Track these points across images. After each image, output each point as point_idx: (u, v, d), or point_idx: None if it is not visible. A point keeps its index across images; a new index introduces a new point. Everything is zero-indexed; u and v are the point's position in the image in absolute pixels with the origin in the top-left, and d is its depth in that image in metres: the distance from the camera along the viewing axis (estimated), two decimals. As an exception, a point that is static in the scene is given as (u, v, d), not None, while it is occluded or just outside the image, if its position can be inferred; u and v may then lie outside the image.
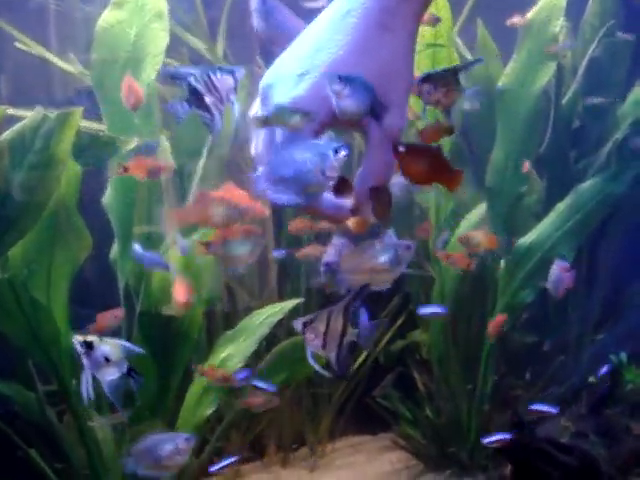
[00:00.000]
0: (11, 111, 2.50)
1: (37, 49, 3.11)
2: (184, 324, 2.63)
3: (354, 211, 1.00)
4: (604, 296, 3.55)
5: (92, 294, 3.15)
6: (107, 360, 1.48)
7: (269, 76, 1.00)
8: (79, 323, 2.80)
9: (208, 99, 1.05)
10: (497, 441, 2.62)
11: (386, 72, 0.96)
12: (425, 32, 2.77)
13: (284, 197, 0.96)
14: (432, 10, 2.74)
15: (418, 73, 2.81)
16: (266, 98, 0.99)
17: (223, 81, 1.07)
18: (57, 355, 2.55)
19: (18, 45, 3.06)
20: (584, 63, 3.26)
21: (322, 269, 1.16)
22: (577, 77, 3.29)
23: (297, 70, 0.96)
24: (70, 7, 3.54)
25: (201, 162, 2.79)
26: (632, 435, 3.01)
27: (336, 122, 0.97)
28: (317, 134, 0.97)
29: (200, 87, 1.05)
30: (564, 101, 3.30)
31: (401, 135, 0.99)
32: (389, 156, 0.98)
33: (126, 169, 2.16)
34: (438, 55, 2.81)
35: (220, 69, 1.07)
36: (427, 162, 1.03)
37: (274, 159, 0.96)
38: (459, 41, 3.47)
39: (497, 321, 2.94)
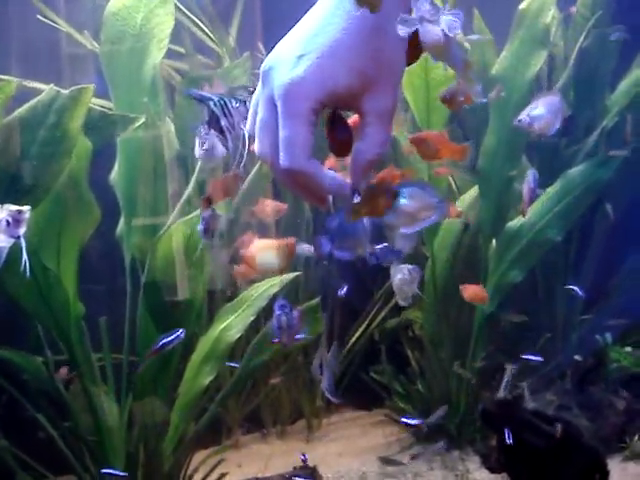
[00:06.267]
0: (27, 84, 2.61)
1: (65, 26, 3.22)
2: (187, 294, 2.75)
3: (353, 190, 1.05)
4: (594, 276, 3.68)
5: (96, 270, 3.28)
6: None
7: (269, 59, 1.04)
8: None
9: (223, 123, 1.22)
10: None
11: (381, 55, 1.00)
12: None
13: (347, 254, 1.09)
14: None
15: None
16: (266, 80, 1.04)
17: (237, 109, 1.22)
18: (66, 322, 2.68)
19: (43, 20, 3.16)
20: (574, 53, 3.37)
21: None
22: (568, 66, 3.41)
23: (296, 52, 1.01)
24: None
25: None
26: (615, 410, 3.14)
27: (334, 102, 1.02)
28: (315, 114, 1.01)
29: (217, 111, 1.22)
30: (555, 89, 3.41)
31: (393, 116, 1.04)
32: (385, 133, 1.03)
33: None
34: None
35: (234, 98, 1.23)
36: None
37: (336, 226, 1.08)
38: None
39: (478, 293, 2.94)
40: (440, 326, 3.37)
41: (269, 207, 2.95)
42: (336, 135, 1.07)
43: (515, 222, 3.30)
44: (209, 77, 3.13)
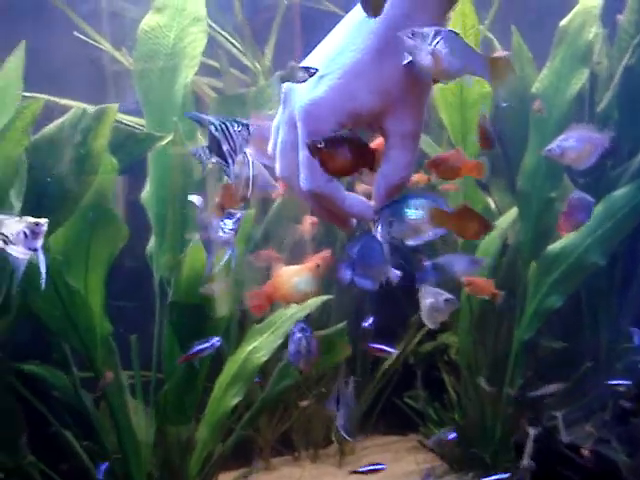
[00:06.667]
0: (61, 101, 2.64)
1: (106, 45, 3.27)
2: (212, 315, 2.72)
3: (377, 212, 1.03)
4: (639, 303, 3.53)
5: (128, 288, 3.28)
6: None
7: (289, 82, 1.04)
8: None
9: (225, 147, 1.19)
10: None
11: (404, 75, 0.97)
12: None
13: (368, 283, 1.06)
14: (459, 15, 2.80)
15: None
16: (287, 101, 1.04)
17: (238, 132, 1.19)
18: (92, 341, 2.68)
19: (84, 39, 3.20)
20: (619, 71, 3.26)
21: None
22: (612, 85, 3.30)
23: (317, 73, 1.00)
24: (121, 9, 3.69)
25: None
26: (658, 444, 2.99)
27: (356, 123, 1.00)
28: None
29: (219, 135, 1.19)
30: (599, 109, 3.31)
31: (418, 138, 1.03)
32: (409, 155, 1.02)
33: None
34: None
35: (236, 121, 1.19)
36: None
37: (357, 252, 1.06)
38: (498, 45, 3.51)
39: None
40: (476, 351, 3.27)
41: (307, 222, 2.92)
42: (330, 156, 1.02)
43: (555, 245, 3.19)
44: (242, 95, 3.12)
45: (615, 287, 3.52)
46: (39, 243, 2.07)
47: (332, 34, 1.04)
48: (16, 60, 2.78)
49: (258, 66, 3.23)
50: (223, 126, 1.20)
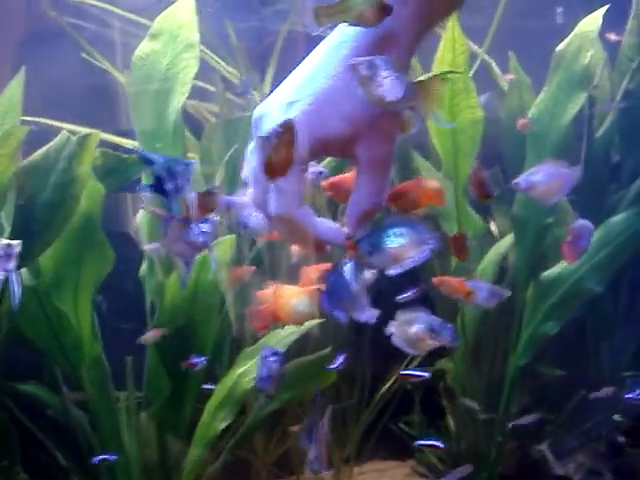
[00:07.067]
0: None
1: (117, 72, 3.35)
2: (196, 340, 2.75)
3: (349, 238, 1.04)
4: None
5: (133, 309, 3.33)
6: None
7: (261, 107, 1.04)
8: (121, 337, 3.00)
9: (168, 185, 1.22)
10: None
11: None
12: (443, 62, 2.82)
13: (343, 316, 1.06)
14: (449, 40, 2.80)
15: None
16: (257, 127, 1.04)
17: (181, 171, 1.23)
18: (79, 363, 2.72)
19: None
20: (619, 96, 3.21)
21: None
22: (614, 107, 3.25)
23: (287, 99, 1.00)
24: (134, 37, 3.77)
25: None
26: (655, 477, 2.92)
27: (325, 150, 1.01)
28: (305, 162, 1.00)
29: (162, 174, 1.23)
30: (598, 134, 3.26)
31: (389, 165, 1.03)
32: (379, 182, 1.03)
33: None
34: (456, 85, 2.85)
35: (177, 161, 1.24)
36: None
37: (333, 285, 1.06)
38: (497, 71, 3.49)
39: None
40: (471, 377, 3.24)
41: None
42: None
43: (552, 271, 3.15)
44: (238, 120, 3.16)
45: (619, 313, 3.46)
46: (12, 265, 2.14)
47: (306, 60, 1.04)
48: (16, 86, 2.86)
49: (255, 92, 3.26)
50: (167, 164, 1.23)
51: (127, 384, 2.95)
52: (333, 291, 1.06)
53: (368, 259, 1.05)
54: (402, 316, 1.93)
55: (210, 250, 1.48)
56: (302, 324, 2.32)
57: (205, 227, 1.52)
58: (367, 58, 0.95)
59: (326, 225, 1.04)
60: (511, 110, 3.28)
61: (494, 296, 2.40)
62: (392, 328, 1.92)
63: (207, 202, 1.57)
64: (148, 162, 1.28)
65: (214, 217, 1.52)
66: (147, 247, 2.73)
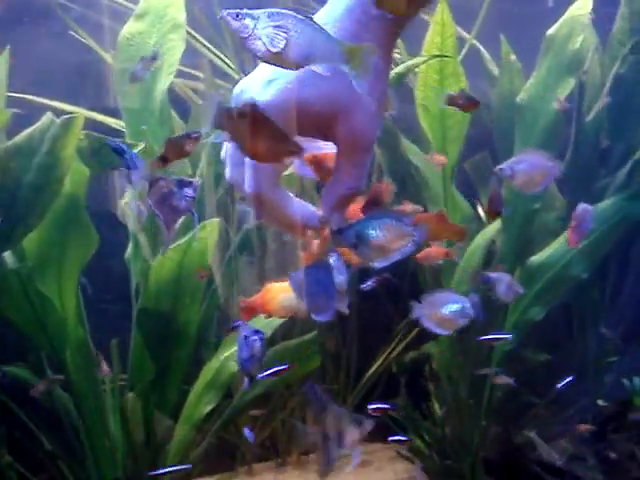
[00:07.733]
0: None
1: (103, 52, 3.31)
2: (180, 323, 2.74)
3: (323, 223, 1.02)
4: (631, 315, 3.47)
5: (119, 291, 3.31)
6: None
7: (241, 83, 1.03)
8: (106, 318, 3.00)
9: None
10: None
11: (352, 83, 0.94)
12: (432, 46, 2.80)
13: (320, 315, 1.04)
14: (438, 23, 2.77)
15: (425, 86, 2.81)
16: (236, 104, 1.01)
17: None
18: (62, 346, 2.71)
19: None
20: (609, 81, 3.19)
21: None
22: (602, 95, 3.23)
23: (267, 77, 0.98)
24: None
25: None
26: (637, 462, 2.94)
27: (303, 129, 0.99)
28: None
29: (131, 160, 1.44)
30: (588, 119, 3.24)
31: (370, 147, 1.00)
32: (358, 166, 1.00)
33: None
34: (445, 69, 2.83)
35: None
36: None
37: (308, 282, 1.04)
38: (487, 56, 3.47)
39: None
40: (457, 362, 3.24)
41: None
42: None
43: (538, 257, 3.14)
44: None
45: (605, 299, 3.47)
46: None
47: None
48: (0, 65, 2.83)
49: (241, 75, 3.22)
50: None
51: (112, 366, 2.94)
52: (308, 290, 1.04)
53: (354, 251, 1.04)
54: (429, 298, 1.88)
55: (193, 214, 1.52)
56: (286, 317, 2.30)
57: (188, 191, 1.53)
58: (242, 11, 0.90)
59: (300, 206, 1.02)
60: (502, 94, 3.26)
61: (511, 290, 2.42)
62: (420, 310, 1.86)
63: (178, 147, 1.59)
64: (116, 149, 1.49)
65: (197, 181, 1.55)
66: (130, 205, 2.71)
